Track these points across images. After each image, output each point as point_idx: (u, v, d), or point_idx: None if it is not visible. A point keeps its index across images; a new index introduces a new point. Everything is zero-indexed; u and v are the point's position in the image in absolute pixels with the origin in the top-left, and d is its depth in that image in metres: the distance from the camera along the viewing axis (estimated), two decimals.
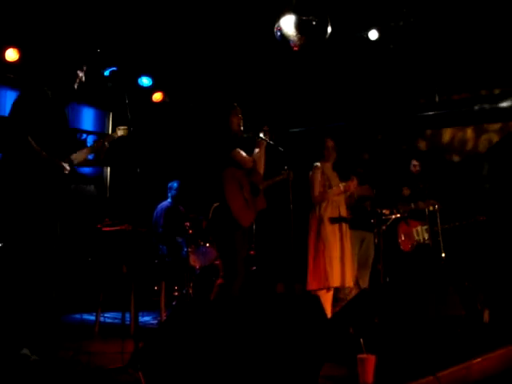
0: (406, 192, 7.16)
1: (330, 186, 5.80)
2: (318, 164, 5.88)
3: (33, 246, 3.83)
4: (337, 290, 5.84)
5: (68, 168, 3.98)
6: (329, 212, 5.76)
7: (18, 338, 3.77)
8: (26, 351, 3.75)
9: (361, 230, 6.29)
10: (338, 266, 5.62)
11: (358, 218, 6.24)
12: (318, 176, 5.82)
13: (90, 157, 4.47)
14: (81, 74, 4.17)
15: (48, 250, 3.90)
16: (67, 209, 4.07)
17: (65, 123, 4.16)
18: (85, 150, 4.36)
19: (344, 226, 5.81)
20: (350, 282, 5.69)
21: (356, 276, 6.02)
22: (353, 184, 5.83)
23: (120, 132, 4.50)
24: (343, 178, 5.97)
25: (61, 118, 4.10)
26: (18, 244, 3.86)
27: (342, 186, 5.81)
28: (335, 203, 5.82)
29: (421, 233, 7.03)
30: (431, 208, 6.74)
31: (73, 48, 4.31)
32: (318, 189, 5.77)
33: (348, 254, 5.74)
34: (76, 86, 4.16)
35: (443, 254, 6.63)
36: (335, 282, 5.60)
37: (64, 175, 3.96)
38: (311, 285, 5.67)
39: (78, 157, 4.25)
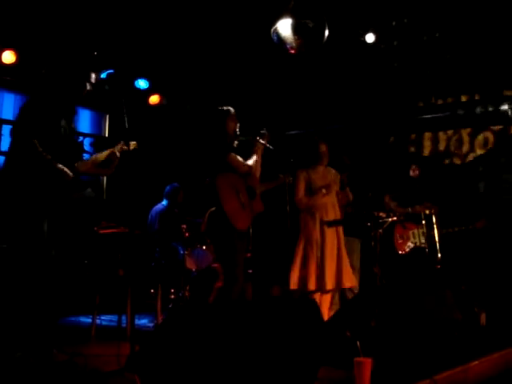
0: (387, 199, 7.17)
1: (313, 191, 5.76)
2: (300, 170, 5.81)
3: (29, 248, 3.82)
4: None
5: (71, 174, 3.95)
6: (321, 216, 5.74)
7: (14, 340, 3.76)
8: (20, 354, 3.74)
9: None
10: (332, 270, 5.58)
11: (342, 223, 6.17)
12: (300, 183, 5.75)
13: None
14: (91, 79, 4.16)
15: (45, 253, 3.89)
16: (66, 214, 4.05)
17: (71, 132, 4.16)
18: (92, 159, 4.30)
19: (339, 229, 5.78)
20: (330, 285, 5.57)
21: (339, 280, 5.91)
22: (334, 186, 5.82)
23: (132, 146, 4.45)
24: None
25: (69, 127, 4.10)
26: (16, 245, 3.85)
27: (323, 190, 5.76)
28: (326, 206, 5.79)
29: (417, 236, 7.02)
30: (427, 212, 6.73)
31: (70, 50, 4.31)
32: (300, 195, 5.73)
33: (344, 257, 5.71)
34: (88, 88, 4.14)
35: (439, 256, 6.62)
36: (329, 285, 5.56)
37: (66, 181, 3.93)
38: (295, 285, 5.63)
39: (84, 164, 4.20)
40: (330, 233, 5.74)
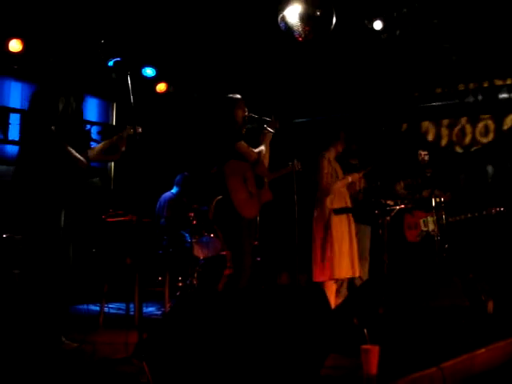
0: (399, 187, 7.15)
1: (337, 177, 5.80)
2: (325, 153, 5.86)
3: (46, 238, 3.84)
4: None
5: (85, 162, 3.97)
6: (336, 203, 5.75)
7: (26, 328, 3.79)
8: (31, 342, 3.77)
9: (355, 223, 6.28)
10: (347, 258, 5.66)
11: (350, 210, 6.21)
12: (325, 166, 5.78)
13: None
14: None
15: (60, 242, 3.92)
16: (82, 203, 4.08)
17: (80, 119, 4.17)
18: (101, 145, 4.35)
19: (351, 217, 5.84)
20: (357, 272, 5.75)
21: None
22: (359, 175, 5.87)
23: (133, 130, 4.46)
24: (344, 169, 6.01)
25: (77, 114, 4.11)
26: (33, 235, 3.87)
27: (349, 177, 5.82)
28: (342, 194, 5.83)
29: (428, 223, 6.99)
30: (438, 200, 6.69)
31: (77, 38, 4.30)
32: (325, 180, 5.74)
33: (355, 245, 5.79)
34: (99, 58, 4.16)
35: (446, 246, 6.61)
36: (344, 273, 5.64)
37: (82, 169, 3.95)
38: (319, 277, 5.67)
39: (94, 152, 4.24)
40: (343, 221, 5.76)
